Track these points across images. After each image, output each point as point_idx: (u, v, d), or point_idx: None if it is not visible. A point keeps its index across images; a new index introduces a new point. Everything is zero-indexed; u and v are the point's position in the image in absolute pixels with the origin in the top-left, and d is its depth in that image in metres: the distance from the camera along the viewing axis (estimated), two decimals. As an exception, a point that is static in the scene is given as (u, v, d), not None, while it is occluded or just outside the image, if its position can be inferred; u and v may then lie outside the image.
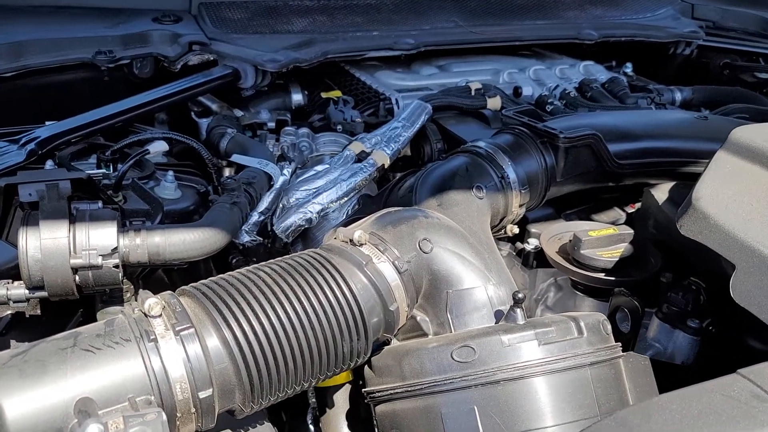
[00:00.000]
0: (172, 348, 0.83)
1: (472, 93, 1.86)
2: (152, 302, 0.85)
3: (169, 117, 2.04)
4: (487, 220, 1.30)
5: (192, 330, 0.85)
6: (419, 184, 1.31)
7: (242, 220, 1.23)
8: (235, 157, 1.43)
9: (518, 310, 1.04)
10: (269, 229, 1.56)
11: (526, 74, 2.13)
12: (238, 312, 0.89)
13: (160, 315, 0.85)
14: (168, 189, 1.33)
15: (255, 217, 1.53)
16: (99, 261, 1.02)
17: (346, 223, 1.29)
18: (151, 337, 0.82)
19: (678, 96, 2.08)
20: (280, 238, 1.47)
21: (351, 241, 1.07)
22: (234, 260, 1.73)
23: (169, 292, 0.92)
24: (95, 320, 1.18)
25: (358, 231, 1.06)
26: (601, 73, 2.19)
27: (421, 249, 1.10)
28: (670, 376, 1.12)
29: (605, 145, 1.46)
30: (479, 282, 1.10)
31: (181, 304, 0.88)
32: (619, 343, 1.06)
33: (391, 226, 1.12)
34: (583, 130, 1.45)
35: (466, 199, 1.28)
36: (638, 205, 1.62)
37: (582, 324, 1.02)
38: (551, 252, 1.37)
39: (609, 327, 1.06)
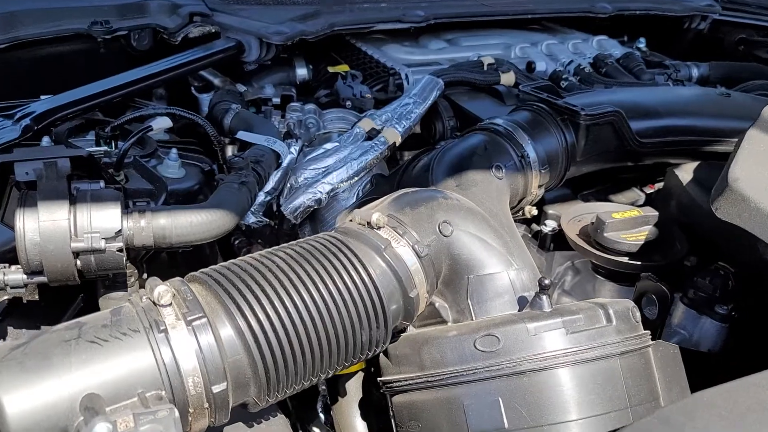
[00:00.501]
0: (184, 339, 0.78)
1: (485, 68, 1.79)
2: (162, 290, 0.79)
3: (168, 92, 1.98)
4: (507, 201, 1.25)
5: (204, 319, 0.80)
6: (435, 163, 1.26)
7: (251, 200, 1.17)
8: (241, 134, 1.36)
9: (544, 297, 0.99)
10: (275, 209, 1.50)
11: (539, 49, 2.06)
12: (252, 300, 0.84)
13: (170, 304, 0.80)
14: (171, 168, 1.27)
15: (261, 197, 1.48)
16: (102, 244, 0.96)
17: (359, 204, 1.24)
18: (161, 328, 0.77)
19: (695, 72, 2.02)
20: (288, 219, 1.41)
21: (368, 223, 1.01)
22: (237, 241, 1.68)
23: (178, 278, 0.86)
24: (97, 306, 1.13)
25: (376, 213, 1.01)
26: (615, 49, 2.12)
27: (440, 232, 1.05)
28: (695, 364, 1.08)
29: (627, 122, 1.40)
30: (501, 267, 1.06)
31: (192, 291, 0.83)
32: (648, 332, 1.02)
33: (409, 208, 1.07)
34: (604, 107, 1.39)
35: (485, 180, 1.22)
36: (658, 185, 1.57)
37: (611, 311, 0.98)
38: (572, 234, 1.32)
39: (638, 314, 1.02)
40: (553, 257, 1.46)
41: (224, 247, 1.51)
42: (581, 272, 1.44)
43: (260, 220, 1.49)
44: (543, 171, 1.33)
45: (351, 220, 1.05)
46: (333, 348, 0.89)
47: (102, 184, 1.03)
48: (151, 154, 1.32)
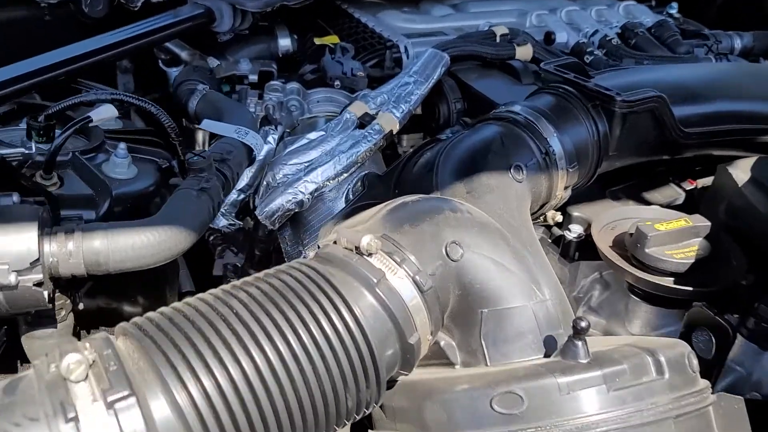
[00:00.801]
0: (102, 428, 0.58)
1: (497, 39, 1.57)
2: (73, 361, 0.59)
3: (134, 65, 1.77)
4: (528, 210, 1.05)
5: (132, 399, 0.60)
6: (441, 161, 1.05)
7: (213, 210, 0.97)
8: (206, 124, 1.15)
9: (579, 344, 0.80)
10: (252, 207, 1.31)
11: (558, 16, 1.84)
12: (198, 364, 0.65)
13: (86, 378, 0.60)
14: (119, 166, 1.06)
15: (234, 196, 1.28)
16: (12, 279, 0.76)
17: (348, 213, 1.03)
18: (70, 415, 0.58)
19: (737, 43, 1.79)
20: (264, 224, 1.21)
21: (357, 248, 0.81)
22: (211, 237, 1.50)
23: (102, 334, 0.66)
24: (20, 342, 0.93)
25: (367, 236, 0.80)
26: (645, 15, 1.90)
27: (448, 256, 0.86)
28: (756, 410, 0.90)
29: (670, 109, 1.19)
30: (523, 299, 0.87)
31: (118, 356, 0.63)
32: (708, 383, 0.84)
33: (408, 225, 0.87)
34: (644, 91, 1.17)
35: (503, 184, 1.02)
36: (702, 181, 1.37)
37: (662, 360, 0.80)
38: (604, 246, 1.12)
39: (695, 362, 0.84)
40: (578, 268, 1.27)
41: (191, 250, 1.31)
42: (611, 287, 1.24)
43: (232, 222, 1.30)
44: (571, 169, 1.12)
45: (335, 242, 0.85)
46: (309, 420, 0.70)
47: (15, 197, 0.82)
48: (97, 149, 1.11)
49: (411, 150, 1.16)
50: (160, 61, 1.69)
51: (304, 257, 1.20)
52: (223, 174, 1.03)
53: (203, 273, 1.58)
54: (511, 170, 1.03)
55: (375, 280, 0.78)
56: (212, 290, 0.75)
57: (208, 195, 0.96)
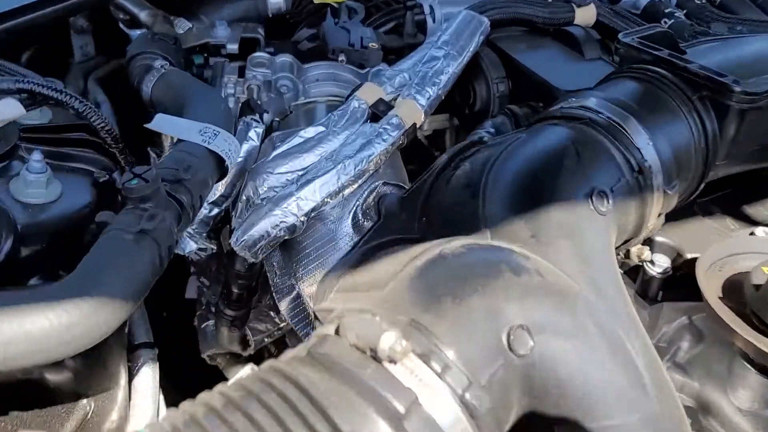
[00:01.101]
0: None
1: (550, -2, 1.26)
2: None
3: (92, 24, 1.47)
4: (614, 256, 0.75)
5: None
6: (490, 184, 0.75)
7: (161, 260, 0.68)
8: (159, 122, 0.84)
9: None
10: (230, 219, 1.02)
11: (621, -34, 1.51)
12: None
13: None
14: (32, 185, 0.77)
15: (205, 211, 1.00)
16: None
17: (357, 261, 0.74)
18: None
19: None
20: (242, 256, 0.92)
21: (372, 351, 0.52)
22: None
23: None
24: None
25: (389, 334, 0.52)
26: (730, -34, 1.56)
27: (511, 349, 0.59)
28: None
29: (805, 102, 0.89)
30: (624, 411, 0.62)
31: None
32: None
33: (451, 300, 0.60)
34: (770, 77, 0.87)
35: (582, 219, 0.73)
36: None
37: None
38: (713, 299, 0.83)
39: None
40: (661, 310, 0.98)
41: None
42: (706, 339, 0.96)
43: (203, 247, 1.01)
44: (670, 191, 0.83)
45: (337, 332, 0.56)
46: None
47: None
48: (8, 155, 0.82)
49: (443, 158, 0.86)
50: (120, 23, 1.39)
51: (295, 330, 0.92)
52: (177, 202, 0.73)
53: (173, 295, 1.32)
54: (593, 198, 0.74)
55: (402, 410, 0.50)
56: (135, 437, 0.47)
57: (152, 239, 0.67)
